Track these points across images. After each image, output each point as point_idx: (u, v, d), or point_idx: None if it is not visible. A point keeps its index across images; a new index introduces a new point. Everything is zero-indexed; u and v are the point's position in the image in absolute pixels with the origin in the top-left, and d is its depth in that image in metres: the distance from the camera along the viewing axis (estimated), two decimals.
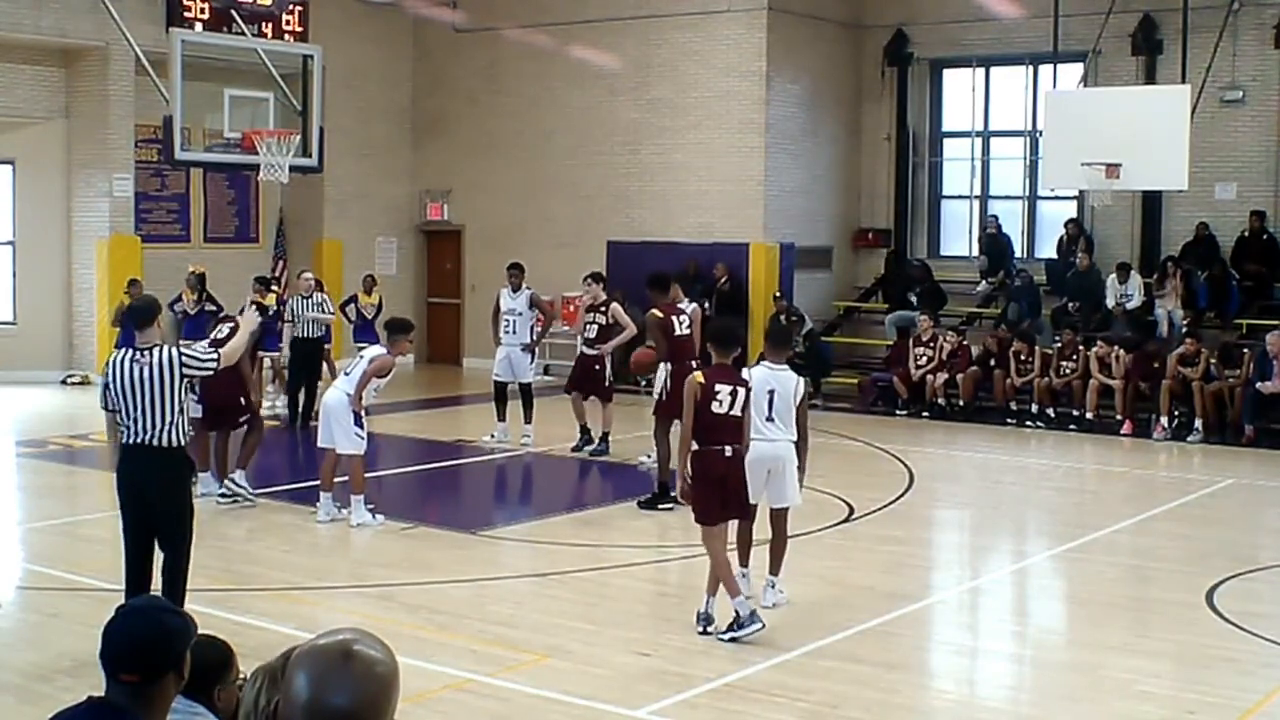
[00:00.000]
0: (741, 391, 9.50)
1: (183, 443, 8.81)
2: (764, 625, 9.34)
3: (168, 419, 8.59)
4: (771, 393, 9.90)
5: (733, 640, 9.29)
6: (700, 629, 9.51)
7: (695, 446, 9.47)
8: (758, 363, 10.47)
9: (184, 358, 8.70)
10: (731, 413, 9.41)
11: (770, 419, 9.90)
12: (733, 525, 9.92)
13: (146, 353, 8.63)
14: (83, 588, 10.61)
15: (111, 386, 8.68)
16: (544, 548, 12.32)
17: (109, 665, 3.75)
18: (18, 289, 23.57)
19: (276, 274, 25.65)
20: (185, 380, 8.72)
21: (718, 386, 9.42)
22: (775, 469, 9.97)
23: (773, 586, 10.30)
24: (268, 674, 3.55)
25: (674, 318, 14.08)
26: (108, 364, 8.85)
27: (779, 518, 10.25)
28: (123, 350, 8.83)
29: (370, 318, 20.70)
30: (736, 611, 9.33)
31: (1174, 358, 19.10)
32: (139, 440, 8.63)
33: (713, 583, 9.59)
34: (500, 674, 8.71)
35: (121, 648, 3.73)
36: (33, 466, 16.28)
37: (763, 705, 8.24)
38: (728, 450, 9.42)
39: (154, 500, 8.74)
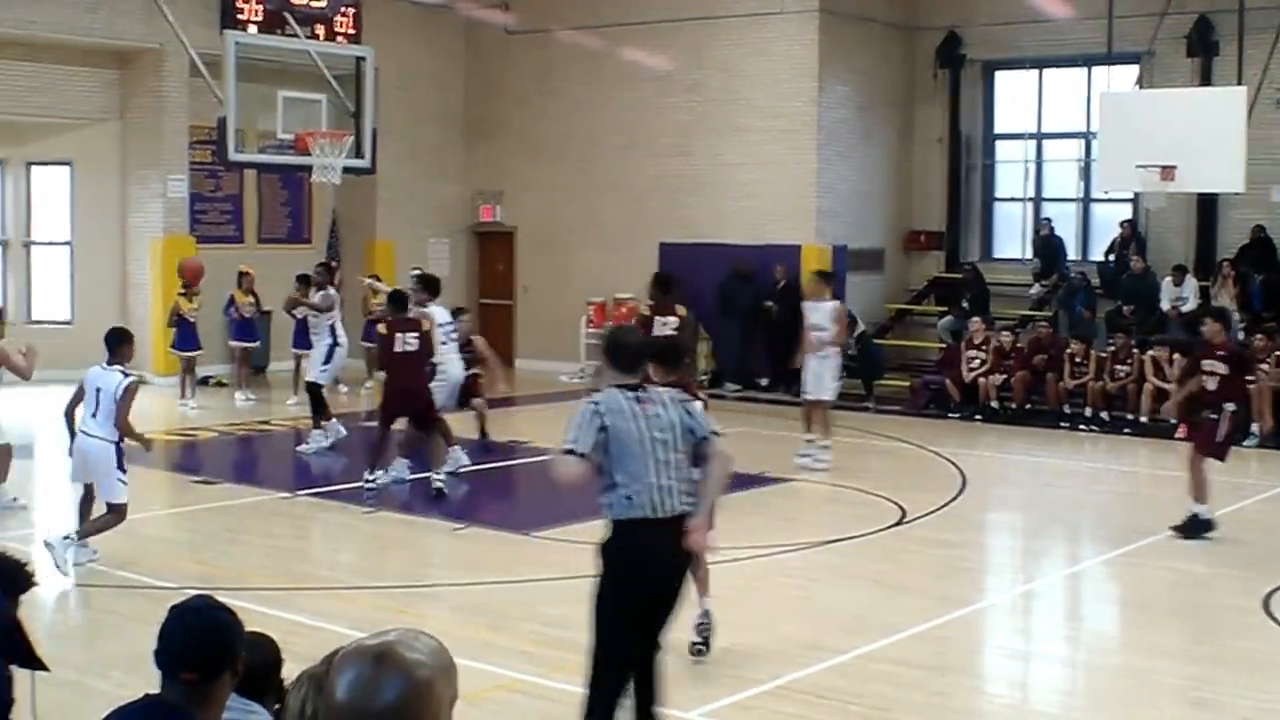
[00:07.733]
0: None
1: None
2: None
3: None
4: None
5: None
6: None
7: None
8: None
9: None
10: None
11: None
12: None
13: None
14: (138, 585, 10.70)
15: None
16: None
17: (166, 664, 3.72)
18: (75, 289, 23.82)
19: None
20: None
21: None
22: None
23: None
24: (313, 680, 3.51)
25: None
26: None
27: None
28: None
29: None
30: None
31: None
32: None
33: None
34: (551, 675, 8.71)
35: (179, 647, 3.71)
36: None
37: (815, 708, 8.22)
38: None
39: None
